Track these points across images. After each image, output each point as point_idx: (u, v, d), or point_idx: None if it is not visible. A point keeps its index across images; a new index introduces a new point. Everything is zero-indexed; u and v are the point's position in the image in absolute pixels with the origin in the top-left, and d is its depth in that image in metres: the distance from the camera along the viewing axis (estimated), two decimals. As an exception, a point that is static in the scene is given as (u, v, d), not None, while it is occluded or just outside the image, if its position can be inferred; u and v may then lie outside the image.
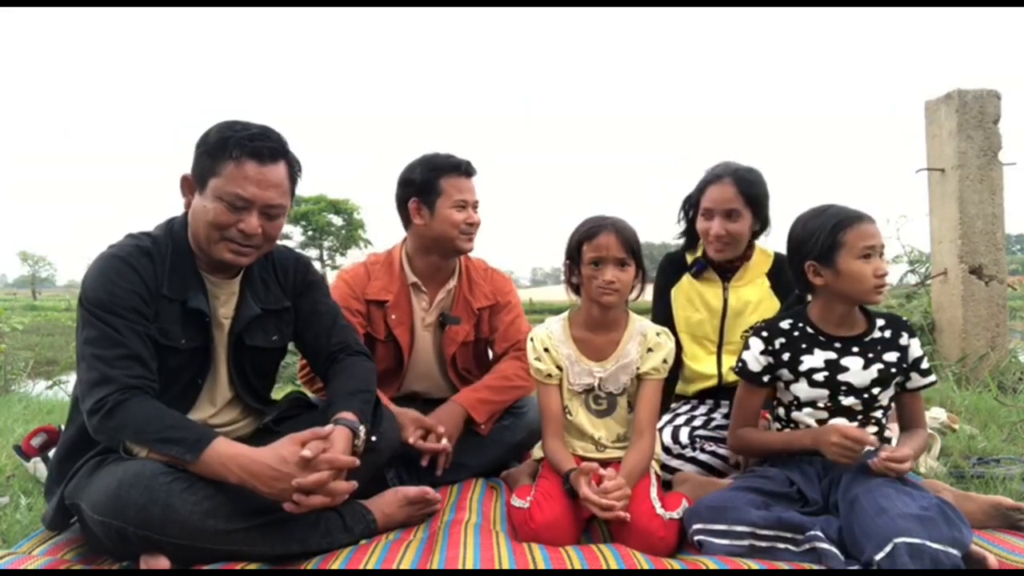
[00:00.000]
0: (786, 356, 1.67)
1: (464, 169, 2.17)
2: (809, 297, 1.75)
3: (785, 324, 1.70)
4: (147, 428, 1.39)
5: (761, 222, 2.12)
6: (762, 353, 1.69)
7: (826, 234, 1.59)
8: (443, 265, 2.23)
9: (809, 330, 1.68)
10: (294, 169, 1.62)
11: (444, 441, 1.94)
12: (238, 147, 1.49)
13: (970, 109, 3.76)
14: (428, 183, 2.14)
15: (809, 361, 1.65)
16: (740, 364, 1.73)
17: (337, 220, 40.05)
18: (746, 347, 1.73)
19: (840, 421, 1.63)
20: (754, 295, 2.14)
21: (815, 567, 1.36)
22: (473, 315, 2.25)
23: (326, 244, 40.20)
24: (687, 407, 2.20)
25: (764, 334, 1.71)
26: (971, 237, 3.76)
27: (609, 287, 1.68)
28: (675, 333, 2.16)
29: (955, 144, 3.77)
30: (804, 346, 1.66)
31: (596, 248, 1.68)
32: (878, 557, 1.26)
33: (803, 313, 1.71)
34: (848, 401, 1.63)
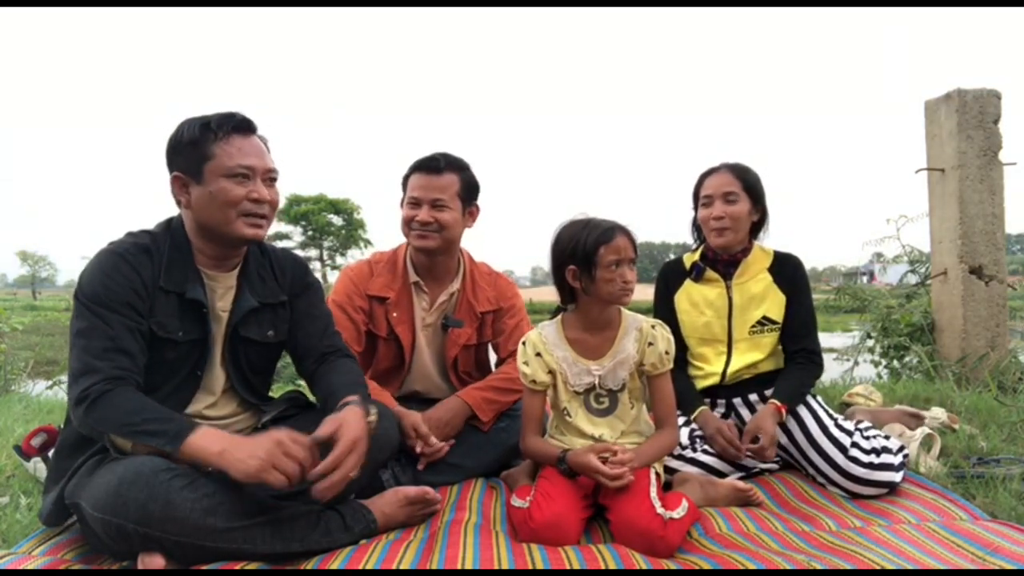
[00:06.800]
0: None
1: (421, 166, 2.11)
2: None
3: None
4: (129, 420, 1.38)
5: (760, 213, 2.15)
6: None
7: None
8: (434, 263, 2.18)
9: None
10: (266, 142, 1.69)
11: (440, 443, 2.01)
12: (219, 127, 1.55)
13: (970, 109, 3.75)
14: (403, 183, 2.17)
15: None
16: None
17: (337, 220, 39.94)
18: None
19: None
20: (757, 288, 2.15)
21: (817, 566, 1.36)
22: (476, 318, 2.23)
23: (326, 244, 40.08)
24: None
25: None
26: (971, 237, 3.75)
27: (627, 287, 1.72)
28: (682, 339, 2.18)
29: (955, 144, 3.76)
30: None
31: (616, 250, 1.68)
32: None
33: None
34: None
